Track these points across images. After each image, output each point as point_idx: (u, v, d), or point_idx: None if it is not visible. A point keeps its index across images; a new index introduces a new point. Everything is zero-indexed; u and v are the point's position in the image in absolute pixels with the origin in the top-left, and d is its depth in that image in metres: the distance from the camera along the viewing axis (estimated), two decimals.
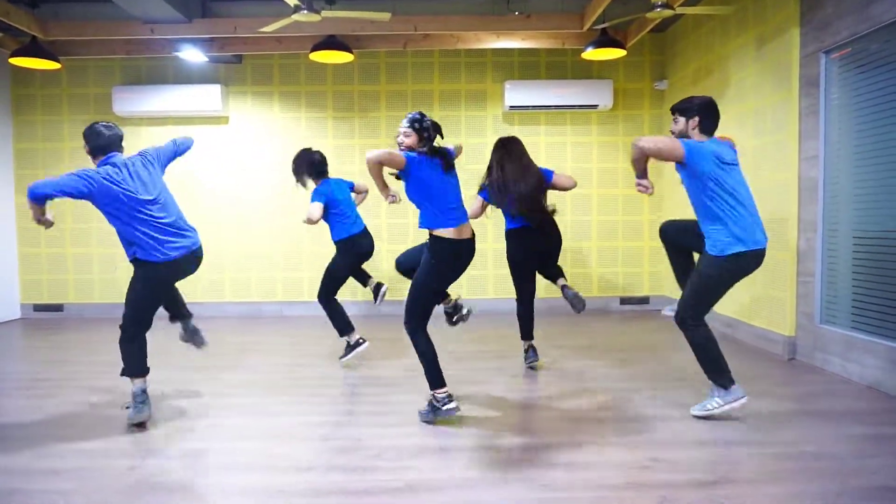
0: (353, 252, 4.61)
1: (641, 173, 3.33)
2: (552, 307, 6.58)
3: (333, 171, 7.05)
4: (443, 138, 3.53)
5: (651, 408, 3.57)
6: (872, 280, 4.00)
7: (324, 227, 4.76)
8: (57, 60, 5.90)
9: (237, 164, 7.18)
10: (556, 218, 4.43)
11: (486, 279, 7.21)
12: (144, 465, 2.88)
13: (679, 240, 3.63)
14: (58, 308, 7.32)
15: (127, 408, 3.45)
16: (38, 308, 7.33)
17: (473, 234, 3.40)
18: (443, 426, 3.31)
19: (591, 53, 5.88)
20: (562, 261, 6.68)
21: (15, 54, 5.72)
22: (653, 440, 3.08)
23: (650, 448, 2.97)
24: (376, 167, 3.19)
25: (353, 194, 4.88)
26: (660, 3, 4.57)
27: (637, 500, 2.45)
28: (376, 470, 2.78)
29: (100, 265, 7.25)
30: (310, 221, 4.38)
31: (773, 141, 4.89)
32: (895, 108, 3.77)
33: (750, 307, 5.26)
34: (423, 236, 3.64)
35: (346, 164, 7.13)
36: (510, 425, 3.36)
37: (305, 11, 4.54)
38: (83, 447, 3.11)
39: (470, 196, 4.22)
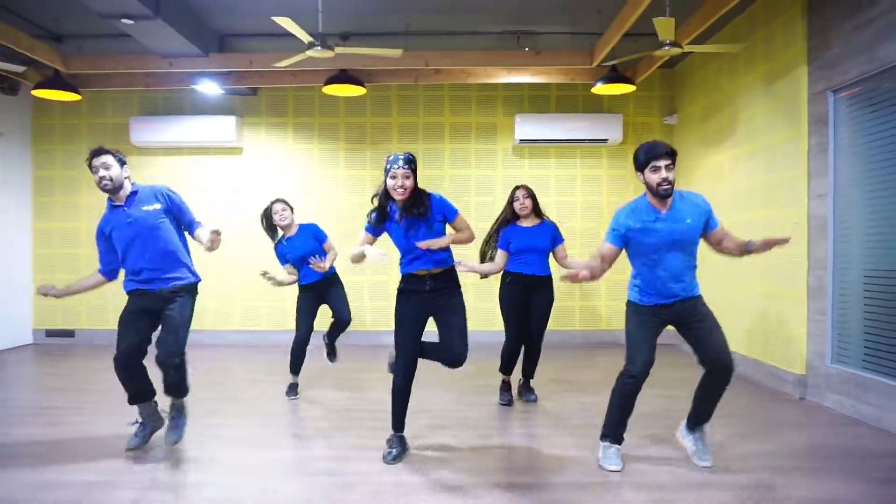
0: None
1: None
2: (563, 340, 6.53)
3: (344, 202, 7.20)
4: None
5: (654, 448, 3.51)
6: (884, 319, 3.95)
7: (338, 260, 4.78)
8: (77, 92, 6.07)
9: (250, 195, 7.27)
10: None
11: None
12: (146, 497, 2.87)
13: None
14: (69, 334, 7.38)
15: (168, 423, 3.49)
16: (51, 333, 7.40)
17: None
18: (441, 465, 3.27)
19: (600, 88, 5.94)
20: (572, 294, 6.69)
21: (38, 87, 5.89)
22: (656, 483, 3.03)
23: (653, 490, 2.92)
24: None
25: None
26: (668, 41, 4.62)
27: None
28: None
29: (113, 291, 7.27)
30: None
31: (784, 178, 4.89)
32: None
33: (762, 345, 5.20)
34: None
35: (356, 195, 7.20)
36: (510, 463, 3.32)
37: (319, 48, 4.63)
38: (85, 478, 3.11)
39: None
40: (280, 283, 4.66)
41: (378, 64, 5.87)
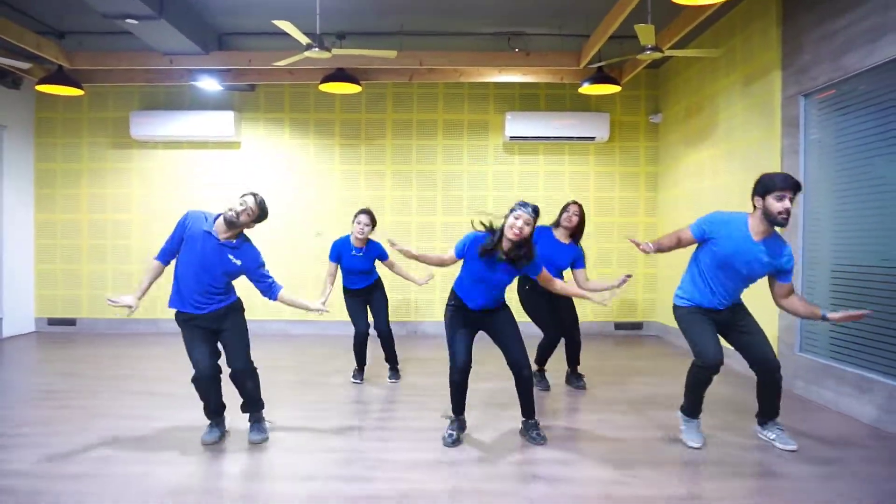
0: None
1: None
2: None
3: (338, 197, 7.41)
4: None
5: (635, 429, 3.78)
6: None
7: (325, 249, 5.01)
8: (80, 87, 6.23)
9: (248, 188, 7.45)
10: None
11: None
12: (157, 471, 3.11)
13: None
14: (71, 322, 7.58)
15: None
16: (53, 322, 7.60)
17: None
18: (436, 443, 3.52)
19: (587, 89, 6.17)
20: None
21: (42, 82, 6.06)
22: (633, 459, 3.29)
23: (631, 466, 3.18)
24: None
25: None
26: (650, 46, 4.85)
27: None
28: (374, 480, 3.00)
29: (114, 281, 7.52)
30: None
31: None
32: (870, 148, 4.02)
33: None
34: None
35: (350, 190, 7.43)
36: (500, 442, 3.58)
37: (317, 49, 4.84)
38: (100, 454, 3.34)
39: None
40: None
41: (374, 63, 6.08)
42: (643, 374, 5.32)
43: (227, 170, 7.51)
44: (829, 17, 4.30)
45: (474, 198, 7.46)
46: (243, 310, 3.63)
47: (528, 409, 3.59)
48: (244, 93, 7.43)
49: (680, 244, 3.42)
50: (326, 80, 6.14)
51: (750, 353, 3.40)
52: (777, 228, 3.25)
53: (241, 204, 3.43)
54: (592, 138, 7.25)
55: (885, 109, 3.89)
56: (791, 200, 3.12)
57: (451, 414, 3.62)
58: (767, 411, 3.52)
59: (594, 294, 3.77)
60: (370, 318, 5.02)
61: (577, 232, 4.66)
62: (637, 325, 7.47)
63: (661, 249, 3.46)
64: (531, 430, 3.56)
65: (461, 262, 3.51)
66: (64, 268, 7.60)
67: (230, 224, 3.40)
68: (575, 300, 4.62)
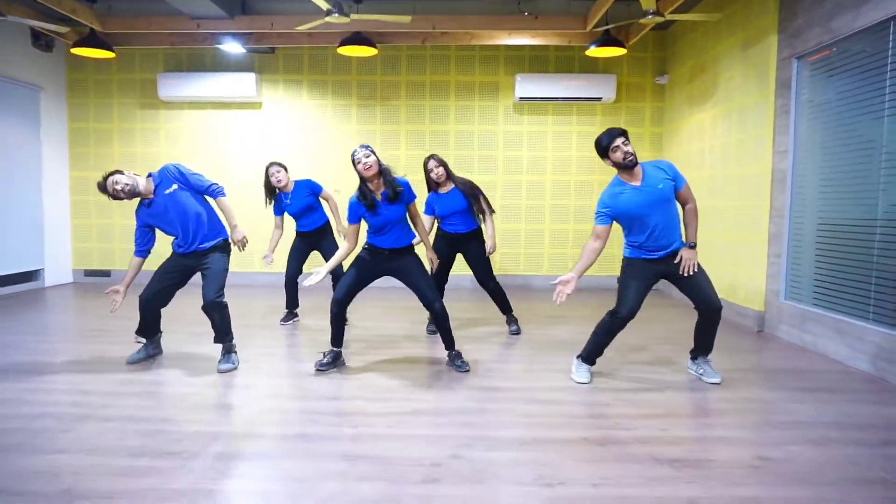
0: None
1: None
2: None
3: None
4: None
5: (623, 364, 4.20)
6: (832, 263, 4.56)
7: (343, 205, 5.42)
8: (112, 50, 6.59)
9: (269, 146, 7.85)
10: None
11: (542, 257, 7.85)
12: (204, 392, 3.59)
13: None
14: (106, 274, 8.10)
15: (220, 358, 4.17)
16: (89, 273, 8.12)
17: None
18: (443, 373, 3.97)
19: (594, 51, 6.42)
20: (565, 242, 7.33)
21: (76, 45, 6.42)
22: (615, 387, 3.72)
23: (618, 392, 3.61)
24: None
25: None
26: (651, 10, 5.10)
27: (597, 426, 3.09)
28: (392, 399, 3.46)
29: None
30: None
31: (754, 136, 5.44)
32: (856, 109, 4.30)
33: (728, 286, 5.84)
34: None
35: None
36: (499, 372, 4.02)
37: (336, 14, 5.15)
38: (152, 378, 3.83)
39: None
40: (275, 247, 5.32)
41: (389, 27, 6.36)
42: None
43: (250, 129, 7.88)
44: None
45: (485, 157, 7.79)
46: (227, 250, 4.12)
47: (447, 341, 4.08)
48: (264, 55, 7.73)
49: (599, 238, 3.62)
50: (344, 43, 6.43)
51: (694, 296, 3.66)
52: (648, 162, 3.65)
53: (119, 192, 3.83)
54: (599, 99, 7.51)
55: (870, 71, 4.16)
56: (625, 144, 3.51)
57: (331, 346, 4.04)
58: (703, 347, 3.85)
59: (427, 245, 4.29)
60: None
61: (448, 178, 4.86)
62: None
63: (582, 271, 3.62)
64: (455, 360, 4.06)
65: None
66: (98, 222, 8.08)
67: (132, 195, 3.84)
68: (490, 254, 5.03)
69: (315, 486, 2.44)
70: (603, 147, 3.56)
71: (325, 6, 5.02)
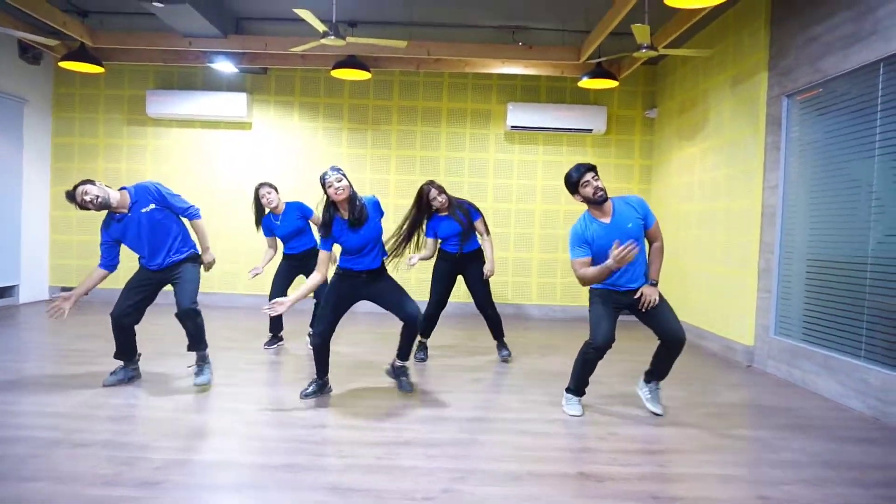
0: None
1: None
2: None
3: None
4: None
5: (619, 397, 4.13)
6: (823, 299, 4.56)
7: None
8: (101, 65, 6.51)
9: (258, 167, 7.77)
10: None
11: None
12: (183, 417, 3.45)
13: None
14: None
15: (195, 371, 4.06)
16: (66, 290, 7.90)
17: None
18: (434, 402, 3.87)
19: (586, 83, 6.48)
20: (553, 272, 7.29)
21: (65, 58, 6.33)
22: (610, 421, 3.64)
23: (612, 426, 3.54)
24: None
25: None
26: (645, 44, 5.16)
27: (593, 461, 3.01)
28: (383, 429, 3.35)
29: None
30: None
31: (743, 171, 5.48)
32: (846, 148, 4.35)
33: (718, 320, 5.83)
34: None
35: (357, 173, 7.73)
36: (491, 402, 3.92)
37: (332, 36, 5.13)
38: (127, 401, 3.68)
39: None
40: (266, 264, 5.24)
41: (384, 51, 6.37)
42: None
43: (239, 149, 7.81)
44: (811, 22, 4.62)
45: (475, 184, 7.78)
46: (197, 261, 4.06)
47: (404, 351, 4.04)
48: (256, 75, 7.70)
49: (587, 266, 3.52)
50: (338, 66, 6.42)
51: (658, 329, 3.61)
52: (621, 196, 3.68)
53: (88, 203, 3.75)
54: (590, 130, 7.56)
55: (858, 112, 4.22)
56: (595, 179, 3.49)
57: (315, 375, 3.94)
58: (659, 373, 3.80)
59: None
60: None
61: (450, 205, 4.89)
62: None
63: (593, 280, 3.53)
64: (401, 375, 4.05)
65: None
66: (79, 239, 7.89)
67: (103, 207, 3.77)
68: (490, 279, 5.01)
69: None
70: (573, 182, 3.52)
71: (321, 28, 5.01)
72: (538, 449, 3.15)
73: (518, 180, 7.82)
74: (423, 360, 5.04)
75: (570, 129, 7.57)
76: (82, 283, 3.94)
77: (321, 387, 3.95)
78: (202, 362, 4.07)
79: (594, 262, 3.51)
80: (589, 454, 3.11)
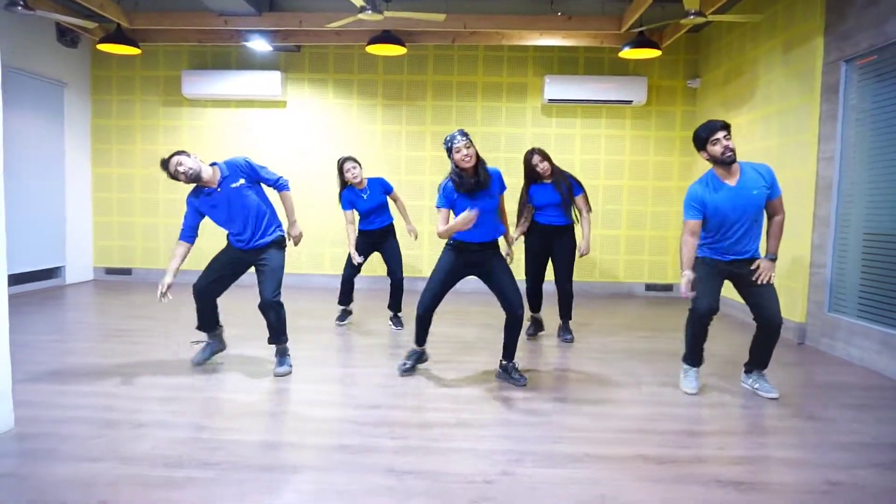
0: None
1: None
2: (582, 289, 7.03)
3: (381, 156, 7.66)
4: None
5: (670, 377, 4.05)
6: (879, 274, 4.39)
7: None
8: (137, 46, 6.52)
9: (293, 146, 7.76)
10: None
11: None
12: (237, 398, 3.47)
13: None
14: (126, 272, 8.04)
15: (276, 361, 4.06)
16: (110, 272, 8.06)
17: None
18: (487, 381, 3.84)
19: (627, 53, 6.28)
20: (592, 247, 7.15)
21: (102, 41, 6.35)
22: (663, 401, 3.57)
23: (665, 406, 3.47)
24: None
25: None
26: (693, 10, 4.96)
27: (651, 443, 2.95)
28: (434, 409, 3.33)
29: (165, 233, 7.92)
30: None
31: (796, 141, 5.27)
32: None
33: None
34: None
35: (391, 149, 7.67)
36: (543, 382, 3.88)
37: (370, 11, 5.03)
38: (185, 382, 3.72)
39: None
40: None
41: (419, 25, 6.25)
42: (642, 329, 5.56)
43: (274, 128, 7.79)
44: None
45: (512, 160, 7.62)
46: (283, 245, 4.01)
47: (509, 351, 3.86)
48: (289, 53, 7.64)
49: (694, 234, 3.47)
50: (373, 41, 6.32)
51: (758, 308, 3.52)
52: (743, 160, 3.52)
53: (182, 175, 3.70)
54: (630, 102, 7.35)
55: None
56: (726, 138, 3.35)
57: (414, 345, 3.96)
58: (758, 362, 3.70)
59: (511, 238, 4.08)
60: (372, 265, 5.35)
61: (553, 173, 4.79)
62: (667, 287, 7.66)
63: (689, 259, 3.48)
64: (512, 372, 3.86)
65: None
66: (120, 220, 8.01)
67: (194, 180, 3.71)
68: (576, 255, 4.91)
69: (362, 503, 2.32)
70: (702, 138, 3.41)
71: (359, 2, 4.91)
72: (594, 430, 3.09)
73: (556, 154, 7.58)
74: (534, 334, 5.05)
75: (609, 101, 7.36)
76: (170, 265, 3.81)
77: (419, 357, 3.97)
78: (283, 355, 4.02)
79: (712, 226, 3.42)
80: (645, 435, 3.04)
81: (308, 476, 2.53)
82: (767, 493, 2.44)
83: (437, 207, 3.69)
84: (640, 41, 6.13)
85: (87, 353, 4.36)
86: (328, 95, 7.75)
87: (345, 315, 5.50)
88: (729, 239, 3.45)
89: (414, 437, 2.94)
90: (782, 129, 5.50)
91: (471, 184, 3.56)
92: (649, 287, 7.70)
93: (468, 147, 3.51)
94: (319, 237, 7.76)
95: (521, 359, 4.18)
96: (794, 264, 5.26)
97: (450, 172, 3.64)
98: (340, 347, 4.74)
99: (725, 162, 3.37)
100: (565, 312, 5.06)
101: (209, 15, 6.39)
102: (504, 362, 3.90)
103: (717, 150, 3.37)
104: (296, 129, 7.78)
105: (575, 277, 6.61)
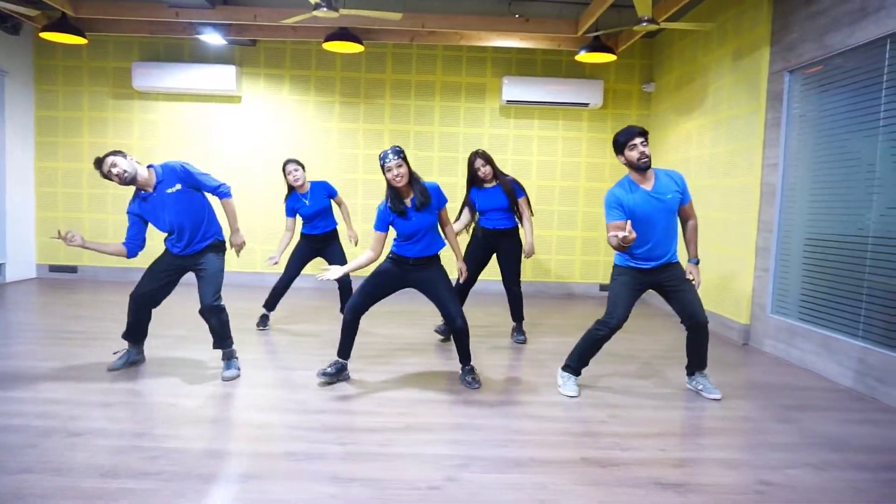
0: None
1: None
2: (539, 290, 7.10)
3: (337, 154, 7.59)
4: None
5: (619, 378, 4.12)
6: (819, 277, 4.55)
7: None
8: (83, 36, 6.28)
9: (248, 142, 7.61)
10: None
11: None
12: (179, 403, 3.39)
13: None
14: (72, 269, 7.77)
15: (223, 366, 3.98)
16: (54, 269, 7.78)
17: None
18: (430, 385, 3.84)
19: (583, 56, 6.34)
20: (548, 248, 7.27)
21: (45, 29, 6.10)
22: (610, 402, 3.63)
23: (611, 408, 3.53)
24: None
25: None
26: (646, 17, 5.04)
27: (594, 446, 3.00)
28: (381, 414, 3.31)
29: (114, 230, 7.68)
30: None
31: (742, 147, 5.42)
32: (848, 124, 4.29)
33: (715, 298, 5.82)
34: None
35: (348, 148, 7.60)
36: (488, 384, 3.90)
37: (325, 8, 4.97)
38: (126, 387, 3.62)
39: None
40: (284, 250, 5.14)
41: (377, 24, 6.19)
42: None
43: (228, 123, 7.63)
44: None
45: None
46: (221, 249, 3.94)
47: (464, 356, 3.91)
48: (245, 48, 7.49)
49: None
50: (330, 38, 6.25)
51: (682, 310, 3.61)
52: (661, 166, 3.58)
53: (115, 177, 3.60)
54: (586, 105, 7.45)
55: (864, 88, 4.15)
56: (643, 144, 3.44)
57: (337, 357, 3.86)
58: (697, 363, 3.81)
59: (459, 254, 4.05)
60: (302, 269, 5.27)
61: (495, 176, 4.81)
62: None
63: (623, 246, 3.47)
64: (467, 375, 3.89)
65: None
66: (66, 216, 7.74)
67: (129, 182, 3.60)
68: (522, 257, 4.96)
69: None
70: (620, 143, 3.49)
71: (313, 0, 4.84)
72: (539, 433, 3.13)
73: (513, 156, 7.72)
74: (444, 337, 5.03)
75: (566, 104, 7.44)
76: (98, 243, 3.71)
77: (339, 370, 3.85)
78: (229, 359, 3.97)
79: (635, 228, 3.46)
80: (590, 438, 3.09)
81: (251, 485, 2.49)
82: (704, 495, 2.51)
83: (375, 230, 3.69)
84: (596, 45, 6.21)
85: (26, 357, 4.20)
86: (284, 91, 7.62)
87: (265, 320, 5.31)
88: (647, 244, 3.53)
89: (360, 443, 2.93)
90: (730, 135, 5.65)
91: (400, 209, 3.59)
92: (603, 287, 7.82)
93: (399, 166, 3.50)
94: (273, 235, 7.64)
95: (472, 361, 4.20)
96: (738, 267, 5.42)
97: (386, 194, 3.63)
98: (288, 349, 4.68)
99: (641, 167, 3.46)
100: (517, 314, 5.10)
101: (159, 7, 6.21)
102: (462, 366, 3.94)
103: (633, 155, 3.45)
104: (251, 125, 7.64)
105: (530, 278, 6.68)
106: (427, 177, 7.60)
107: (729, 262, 5.60)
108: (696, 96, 6.37)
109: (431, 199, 3.65)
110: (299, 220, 5.24)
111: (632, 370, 4.33)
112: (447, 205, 3.82)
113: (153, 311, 3.98)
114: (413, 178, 3.61)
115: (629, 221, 3.33)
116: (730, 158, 5.64)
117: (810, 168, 4.70)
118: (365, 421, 3.22)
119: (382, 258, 3.85)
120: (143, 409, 3.31)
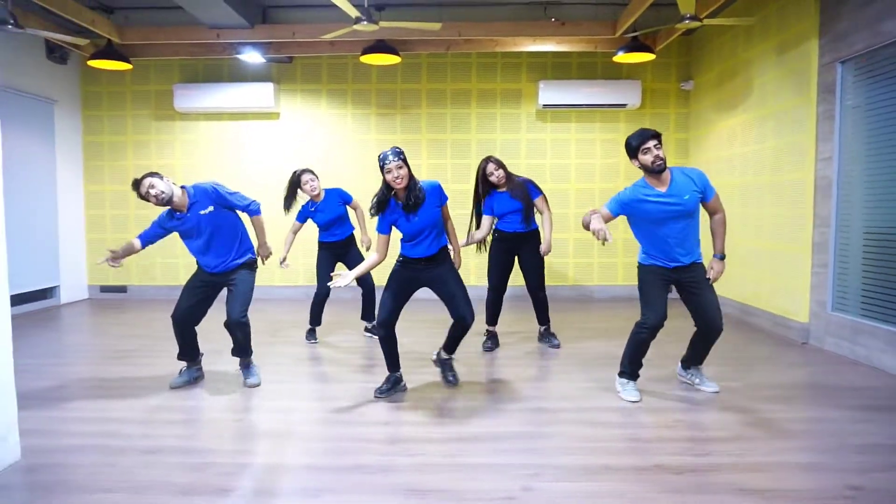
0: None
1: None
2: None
3: (376, 165, 7.59)
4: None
5: (669, 382, 4.04)
6: (881, 272, 4.41)
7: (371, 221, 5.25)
8: (128, 62, 6.46)
9: (287, 157, 7.70)
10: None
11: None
12: (246, 418, 3.43)
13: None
14: (122, 290, 7.94)
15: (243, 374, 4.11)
16: (105, 289, 7.97)
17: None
18: (488, 392, 3.81)
19: (621, 57, 6.29)
20: (589, 249, 7.16)
21: (93, 57, 6.29)
22: (668, 407, 3.55)
23: (674, 412, 3.45)
24: None
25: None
26: (688, 14, 4.97)
27: (666, 452, 2.93)
28: (442, 423, 3.29)
29: (160, 250, 7.80)
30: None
31: (792, 142, 5.29)
32: None
33: (769, 296, 5.68)
34: None
35: None
36: (547, 391, 3.85)
37: (365, 21, 5.01)
38: (189, 404, 3.67)
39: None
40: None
41: (413, 34, 6.23)
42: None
43: (267, 140, 7.74)
44: None
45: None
46: (254, 267, 4.05)
47: (451, 346, 3.96)
48: (282, 64, 7.60)
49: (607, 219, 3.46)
50: (367, 51, 6.30)
51: (699, 313, 3.57)
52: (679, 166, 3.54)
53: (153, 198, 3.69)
54: (624, 105, 7.37)
55: None
56: (657, 147, 3.37)
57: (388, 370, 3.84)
58: (696, 359, 3.80)
59: (456, 246, 3.98)
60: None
61: (508, 179, 4.78)
62: None
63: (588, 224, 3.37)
64: (447, 367, 3.96)
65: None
66: (114, 237, 7.92)
67: (166, 203, 3.71)
68: (546, 259, 4.91)
69: None
70: (633, 147, 3.43)
71: (354, 13, 4.89)
72: (607, 440, 3.07)
73: (552, 160, 7.67)
74: (491, 349, 4.95)
75: (603, 105, 7.38)
76: (124, 248, 3.93)
77: (395, 383, 3.83)
78: (248, 367, 4.11)
79: (643, 229, 3.50)
80: (660, 444, 3.02)
81: (328, 499, 2.49)
82: (791, 501, 2.43)
83: (377, 232, 3.67)
84: (635, 45, 6.15)
85: (87, 376, 4.30)
86: (321, 106, 7.71)
87: (313, 334, 5.35)
88: (666, 244, 3.48)
89: (427, 454, 2.91)
90: (777, 130, 5.52)
91: (385, 204, 3.57)
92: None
93: (400, 168, 3.47)
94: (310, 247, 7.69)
95: (511, 371, 4.19)
96: (793, 265, 5.28)
97: (381, 193, 3.59)
98: (338, 362, 4.69)
99: (655, 171, 3.39)
100: (543, 318, 5.06)
101: (201, 29, 6.34)
102: (443, 355, 4.03)
103: (647, 158, 3.38)
104: (289, 141, 7.74)
105: (573, 282, 6.58)
106: (465, 184, 7.60)
107: (783, 260, 5.46)
108: (739, 92, 6.25)
109: (426, 197, 3.59)
110: (306, 224, 5.26)
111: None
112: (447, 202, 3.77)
113: (196, 328, 4.03)
114: (412, 181, 3.56)
115: (617, 218, 3.46)
116: (778, 154, 5.51)
117: (867, 160, 4.56)
118: (428, 431, 3.20)
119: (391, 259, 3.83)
120: (210, 425, 3.35)
